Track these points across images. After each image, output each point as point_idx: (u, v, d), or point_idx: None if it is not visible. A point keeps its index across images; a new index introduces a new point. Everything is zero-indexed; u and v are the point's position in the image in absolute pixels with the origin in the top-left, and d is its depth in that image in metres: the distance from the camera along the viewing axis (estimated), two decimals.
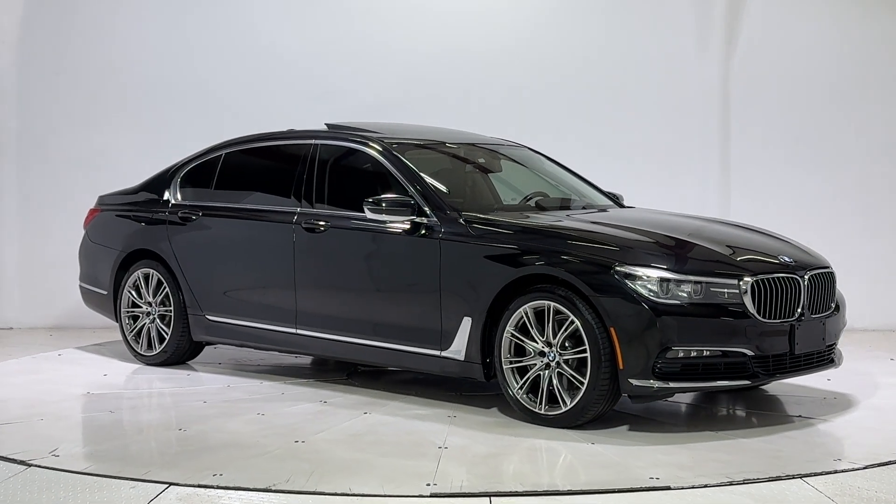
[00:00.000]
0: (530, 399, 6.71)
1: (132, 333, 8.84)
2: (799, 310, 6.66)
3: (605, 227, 6.97)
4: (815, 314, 6.79)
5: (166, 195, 8.80)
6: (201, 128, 11.31)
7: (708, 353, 6.38)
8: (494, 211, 7.54)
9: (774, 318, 6.52)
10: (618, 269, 6.41)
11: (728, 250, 6.79)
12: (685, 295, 6.36)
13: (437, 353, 7.10)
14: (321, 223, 7.70)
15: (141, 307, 8.80)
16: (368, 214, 7.25)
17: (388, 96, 11.43)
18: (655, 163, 11.42)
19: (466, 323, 6.92)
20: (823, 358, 6.92)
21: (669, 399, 7.16)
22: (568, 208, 8.05)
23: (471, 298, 6.91)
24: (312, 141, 8.10)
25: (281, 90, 11.53)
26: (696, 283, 6.39)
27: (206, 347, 8.88)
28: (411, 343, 7.24)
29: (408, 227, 7.24)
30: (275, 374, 8.38)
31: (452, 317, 7.00)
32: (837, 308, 7.07)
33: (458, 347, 6.99)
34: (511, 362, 6.78)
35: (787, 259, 6.82)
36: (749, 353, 6.41)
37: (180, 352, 8.63)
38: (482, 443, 6.26)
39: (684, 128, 11.41)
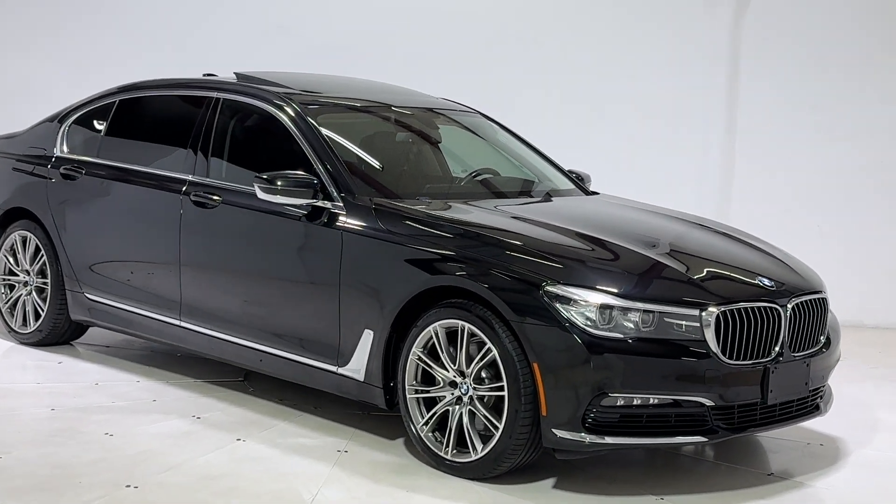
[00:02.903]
0: (436, 439, 5.42)
1: (7, 305, 7.56)
2: (777, 348, 5.29)
3: (542, 230, 5.61)
4: (798, 352, 5.42)
5: (52, 145, 7.45)
6: (139, 56, 10.02)
7: (655, 401, 5.04)
8: (426, 193, 6.21)
9: (743, 359, 5.16)
10: (548, 288, 5.06)
11: (692, 269, 5.41)
12: (631, 326, 5.02)
13: (333, 369, 5.80)
14: (214, 197, 6.36)
15: (18, 276, 7.50)
16: (260, 194, 5.89)
17: (338, 40, 10.01)
18: (652, 128, 10.02)
19: (367, 336, 5.61)
20: (805, 406, 5.56)
21: None
22: (520, 192, 6.71)
23: (373, 307, 5.59)
24: (214, 94, 6.72)
25: (227, 24, 10.18)
26: (646, 311, 5.04)
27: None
28: (306, 354, 5.94)
29: (308, 211, 5.90)
30: (161, 368, 7.08)
31: (352, 327, 5.68)
32: (828, 343, 5.68)
33: (357, 366, 5.69)
34: (417, 391, 5.47)
35: (766, 282, 5.44)
36: (708, 402, 5.08)
37: (58, 331, 7.35)
38: (363, 499, 4.98)
39: (686, 91, 9.99)
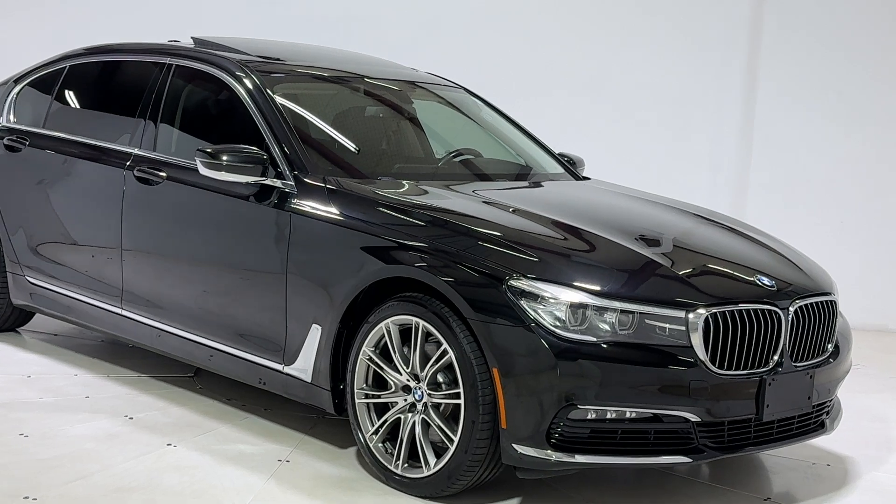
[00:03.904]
0: (387, 451, 4.78)
1: None
2: (776, 357, 4.62)
3: (513, 217, 4.97)
4: (801, 362, 4.74)
5: (0, 114, 6.84)
6: (121, 22, 9.38)
7: (633, 415, 4.38)
8: (396, 174, 5.58)
9: (735, 369, 4.49)
10: (512, 283, 4.41)
11: (680, 264, 4.74)
12: (607, 328, 4.36)
13: (279, 367, 5.17)
14: (160, 172, 5.73)
15: None
16: (202, 170, 5.25)
17: (332, 12, 9.34)
18: (664, 115, 9.28)
19: (315, 332, 4.98)
20: (808, 423, 4.88)
21: None
22: (502, 175, 6.07)
23: (322, 299, 4.95)
24: (167, 59, 6.09)
25: None
26: (624, 312, 4.38)
27: None
28: (252, 351, 5.31)
29: (257, 190, 5.27)
30: (107, 361, 6.47)
31: (299, 321, 5.06)
32: (837, 352, 4.99)
33: (304, 365, 5.06)
34: (367, 395, 4.83)
35: (765, 281, 4.76)
36: (693, 418, 4.41)
37: (0, 317, 6.74)
38: None
39: (701, 70, 9.26)
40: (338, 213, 4.98)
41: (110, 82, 6.55)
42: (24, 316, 6.85)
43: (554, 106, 9.12)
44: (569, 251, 4.69)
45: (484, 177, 5.97)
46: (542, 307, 4.36)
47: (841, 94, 9.12)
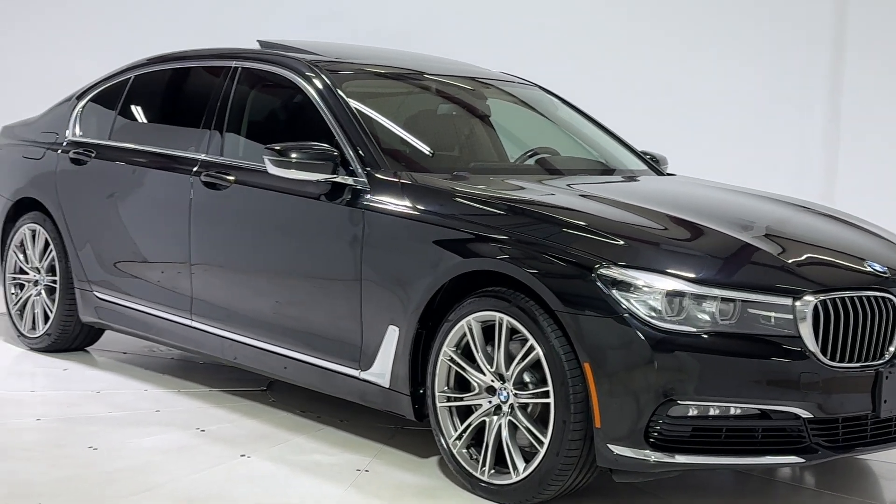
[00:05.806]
0: (472, 457, 4.48)
1: (16, 307, 6.77)
2: (892, 348, 4.26)
3: (597, 205, 4.72)
4: None
5: (65, 128, 6.67)
6: (183, 40, 9.17)
7: (738, 411, 4.05)
8: (470, 171, 5.30)
9: (849, 361, 4.14)
10: (603, 272, 4.10)
11: (786, 252, 4.41)
12: (707, 318, 4.04)
13: (355, 373, 4.90)
14: (227, 176, 5.51)
15: (28, 274, 6.72)
16: (271, 168, 5.02)
17: (393, 26, 9.08)
18: (745, 115, 8.87)
19: (392, 334, 4.71)
20: None
21: None
22: (581, 172, 5.76)
23: (399, 299, 4.68)
24: (233, 63, 5.88)
25: (277, 9, 9.30)
26: (725, 300, 4.06)
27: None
28: (326, 356, 5.05)
29: (328, 189, 5.02)
30: (178, 377, 6.23)
31: (375, 323, 4.78)
32: None
33: (382, 369, 4.78)
34: (449, 399, 4.54)
35: (878, 268, 4.41)
36: (804, 414, 4.06)
37: (68, 336, 6.54)
38: None
39: (784, 73, 8.83)
40: (413, 207, 4.72)
41: (175, 90, 6.36)
42: (94, 334, 6.64)
43: (634, 111, 8.78)
44: (664, 238, 4.39)
45: (560, 174, 5.68)
46: (635, 297, 4.05)
47: None
